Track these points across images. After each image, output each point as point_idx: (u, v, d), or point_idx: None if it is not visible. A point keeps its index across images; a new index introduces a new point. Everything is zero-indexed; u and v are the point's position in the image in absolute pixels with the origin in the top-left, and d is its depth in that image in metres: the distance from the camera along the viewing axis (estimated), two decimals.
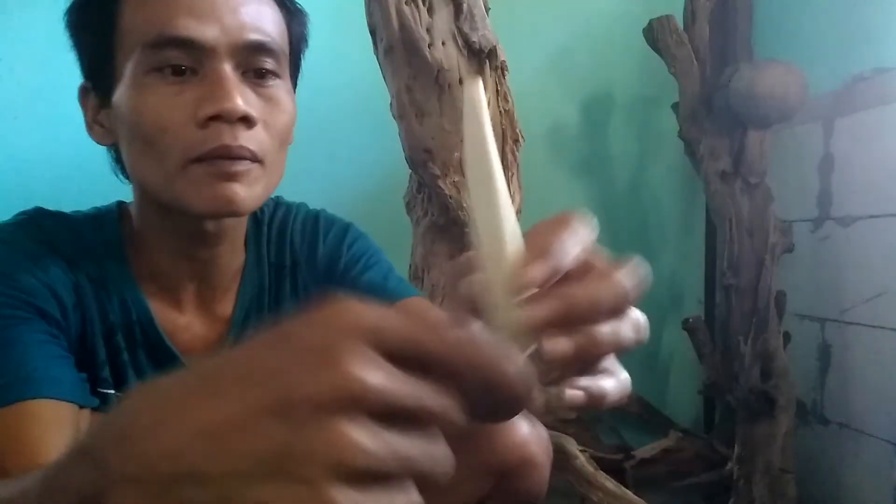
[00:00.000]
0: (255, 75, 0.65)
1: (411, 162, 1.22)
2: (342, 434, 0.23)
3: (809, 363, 1.69)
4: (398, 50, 1.15)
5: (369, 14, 1.18)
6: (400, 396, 0.24)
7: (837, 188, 1.62)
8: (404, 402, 0.24)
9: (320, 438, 0.23)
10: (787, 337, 1.59)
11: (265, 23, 0.65)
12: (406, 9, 1.13)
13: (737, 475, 1.57)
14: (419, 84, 1.16)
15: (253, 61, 0.64)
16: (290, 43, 0.70)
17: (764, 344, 1.56)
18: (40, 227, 0.67)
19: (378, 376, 0.24)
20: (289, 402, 0.23)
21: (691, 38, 1.65)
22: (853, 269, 1.57)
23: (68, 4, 0.67)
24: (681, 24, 1.65)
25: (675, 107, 1.71)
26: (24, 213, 0.69)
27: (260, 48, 0.64)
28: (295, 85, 0.74)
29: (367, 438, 0.23)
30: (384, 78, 1.22)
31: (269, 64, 0.65)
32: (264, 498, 0.23)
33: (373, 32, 1.20)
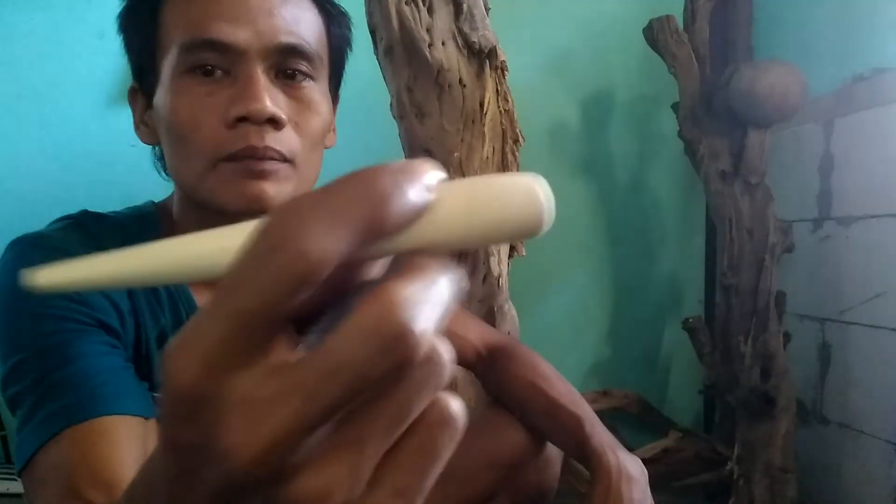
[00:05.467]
0: (288, 77, 0.65)
1: None
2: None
3: (809, 363, 1.69)
4: (398, 50, 1.15)
5: (369, 14, 1.18)
6: None
7: (837, 188, 1.62)
8: None
9: None
10: (787, 337, 1.59)
11: (300, 26, 0.65)
12: (406, 9, 1.13)
13: (737, 475, 1.57)
14: (419, 84, 1.16)
15: (285, 63, 0.64)
16: (330, 45, 0.70)
17: (764, 344, 1.55)
18: (89, 230, 0.66)
19: None
20: None
21: (691, 38, 1.65)
22: (853, 269, 1.57)
23: (120, 7, 0.69)
24: (681, 24, 1.66)
25: (675, 107, 1.71)
26: (69, 217, 0.68)
27: (292, 51, 0.64)
28: (338, 86, 0.74)
29: None
30: (384, 78, 1.22)
31: (302, 66, 0.65)
32: None
33: (373, 32, 1.19)
